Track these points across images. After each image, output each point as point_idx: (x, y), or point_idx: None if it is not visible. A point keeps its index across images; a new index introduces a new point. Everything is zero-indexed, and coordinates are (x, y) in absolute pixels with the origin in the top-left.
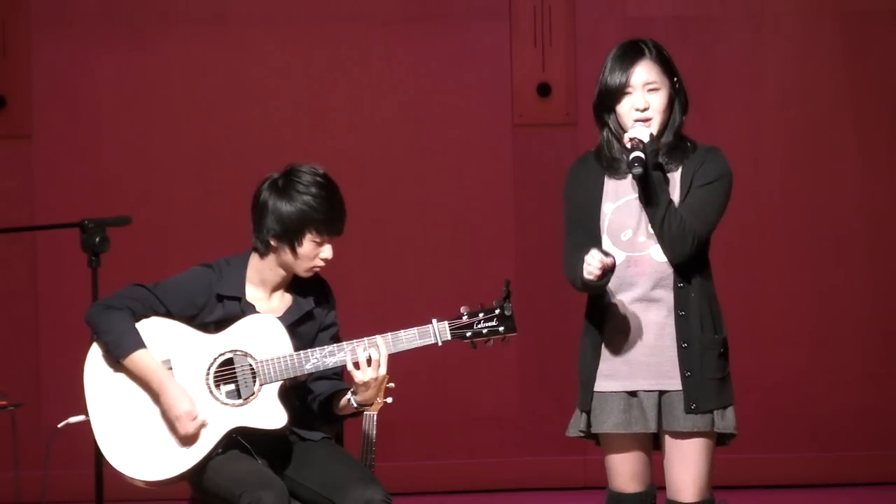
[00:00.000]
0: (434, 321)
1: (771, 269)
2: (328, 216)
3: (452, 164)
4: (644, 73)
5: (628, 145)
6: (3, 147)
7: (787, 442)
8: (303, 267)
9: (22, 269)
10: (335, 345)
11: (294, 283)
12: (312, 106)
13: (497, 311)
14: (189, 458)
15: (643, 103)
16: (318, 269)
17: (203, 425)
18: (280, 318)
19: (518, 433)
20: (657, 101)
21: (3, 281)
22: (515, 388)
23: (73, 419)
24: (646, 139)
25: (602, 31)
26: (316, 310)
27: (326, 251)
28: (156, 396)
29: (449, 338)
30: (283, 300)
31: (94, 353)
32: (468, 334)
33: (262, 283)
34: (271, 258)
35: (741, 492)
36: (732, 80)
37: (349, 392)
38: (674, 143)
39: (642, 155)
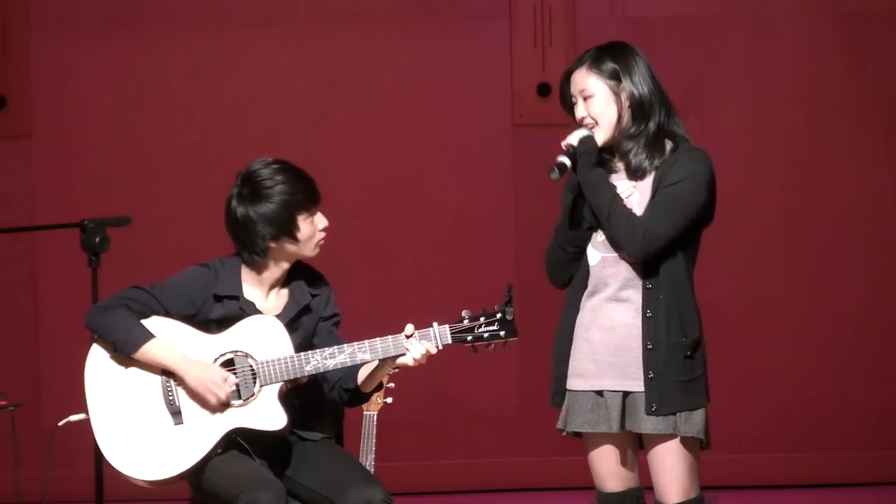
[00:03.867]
0: (435, 325)
1: (771, 269)
2: (305, 190)
3: (452, 164)
4: (576, 84)
5: (563, 148)
6: (3, 147)
7: (787, 442)
8: (308, 247)
9: (22, 269)
10: (335, 347)
11: (289, 278)
12: (312, 106)
13: (498, 316)
14: (188, 458)
15: (580, 113)
16: (321, 242)
17: (234, 391)
18: (279, 316)
19: (518, 433)
20: (592, 108)
21: (3, 281)
22: (515, 388)
23: (73, 417)
24: (575, 142)
25: (602, 32)
26: (313, 302)
27: (321, 221)
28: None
29: (450, 342)
30: (280, 297)
31: (95, 355)
32: (469, 338)
33: (259, 282)
34: (270, 260)
35: (741, 492)
36: (732, 80)
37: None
38: (646, 148)
39: (566, 161)
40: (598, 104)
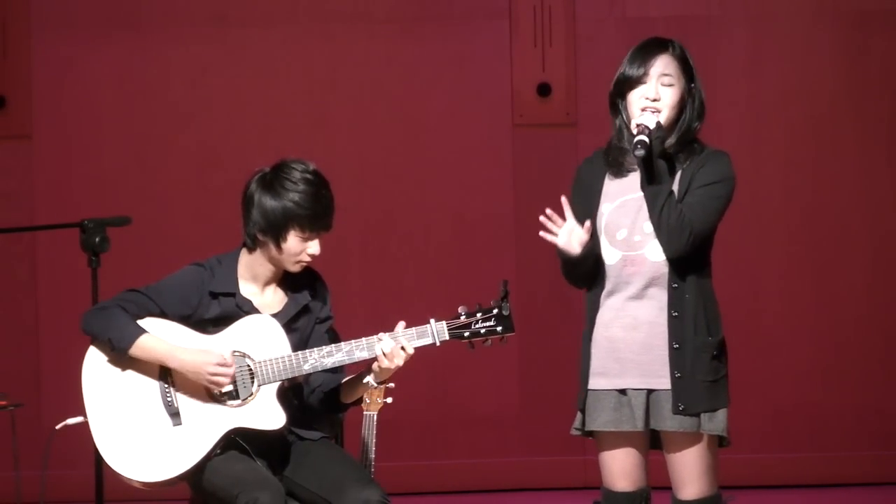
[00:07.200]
0: (432, 321)
1: (771, 269)
2: (313, 213)
3: (452, 164)
4: (661, 65)
5: (634, 131)
6: (3, 147)
7: (787, 442)
8: (289, 262)
9: (22, 269)
10: (333, 345)
11: (287, 278)
12: (312, 106)
13: (495, 311)
14: (188, 458)
15: (654, 93)
16: (305, 264)
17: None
18: (277, 315)
19: (518, 433)
20: (668, 95)
21: (3, 281)
22: (515, 388)
23: (71, 420)
24: (651, 125)
25: (602, 31)
26: (312, 303)
27: (313, 247)
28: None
29: (447, 338)
30: (277, 294)
31: (92, 357)
32: (466, 334)
33: (253, 278)
34: (259, 253)
35: (741, 492)
36: (732, 80)
37: (367, 375)
38: (679, 146)
39: (646, 139)
40: (674, 96)
